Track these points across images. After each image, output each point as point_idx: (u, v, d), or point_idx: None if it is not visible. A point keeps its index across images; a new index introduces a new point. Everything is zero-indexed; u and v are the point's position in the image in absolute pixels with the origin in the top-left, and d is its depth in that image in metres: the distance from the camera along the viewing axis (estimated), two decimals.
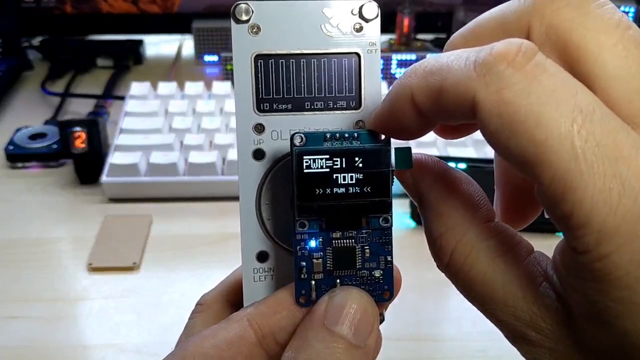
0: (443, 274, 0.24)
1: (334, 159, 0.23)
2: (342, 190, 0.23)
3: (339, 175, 0.23)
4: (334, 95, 0.25)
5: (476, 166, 0.61)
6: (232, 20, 0.25)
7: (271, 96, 0.25)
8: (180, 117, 0.73)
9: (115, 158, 0.66)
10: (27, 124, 0.76)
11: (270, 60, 0.25)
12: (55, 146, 0.71)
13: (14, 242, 0.61)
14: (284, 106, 0.25)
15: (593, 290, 0.18)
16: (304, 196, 0.23)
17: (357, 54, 0.25)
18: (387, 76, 0.87)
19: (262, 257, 0.26)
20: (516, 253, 0.22)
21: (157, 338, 0.50)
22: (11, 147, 0.72)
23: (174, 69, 0.95)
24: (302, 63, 0.25)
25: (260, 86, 0.25)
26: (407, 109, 0.21)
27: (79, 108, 0.83)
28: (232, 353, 0.23)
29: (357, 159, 0.23)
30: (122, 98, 0.81)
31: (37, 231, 0.62)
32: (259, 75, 0.25)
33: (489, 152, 0.67)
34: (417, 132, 0.23)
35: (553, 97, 0.18)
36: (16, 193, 0.68)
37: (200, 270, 0.57)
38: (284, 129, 0.25)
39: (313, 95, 0.25)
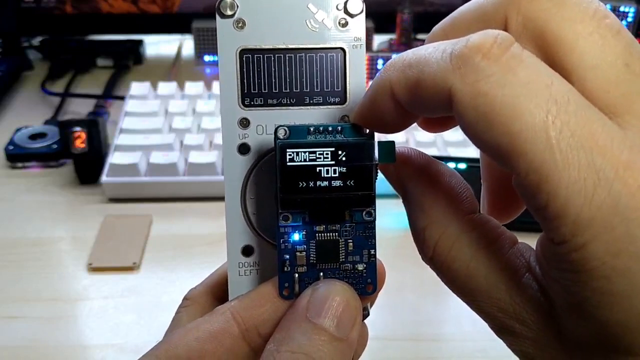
0: None
1: (318, 152, 0.23)
2: (326, 183, 0.23)
3: (322, 168, 0.23)
4: (319, 90, 0.25)
5: (476, 166, 0.60)
6: (217, 15, 0.25)
7: (256, 91, 0.25)
8: (180, 117, 0.73)
9: (115, 158, 0.66)
10: (27, 124, 0.77)
11: (255, 55, 0.25)
12: (55, 146, 0.71)
13: (14, 242, 0.61)
14: (269, 101, 0.25)
15: (571, 281, 0.18)
16: (287, 189, 0.23)
17: (342, 49, 0.25)
18: None
19: (247, 251, 0.26)
20: (499, 245, 0.22)
21: (157, 338, 0.49)
22: (11, 147, 0.72)
23: (174, 69, 0.95)
24: (287, 58, 0.25)
25: (245, 81, 0.25)
26: (387, 102, 0.21)
27: (79, 108, 0.84)
28: (214, 346, 0.23)
29: (340, 152, 0.23)
30: (122, 98, 0.81)
31: (37, 231, 0.62)
32: (244, 69, 0.25)
33: None
34: (398, 125, 0.23)
35: (528, 88, 0.18)
36: (16, 193, 0.68)
37: (200, 270, 0.56)
38: (269, 123, 0.25)
39: (298, 90, 0.25)
